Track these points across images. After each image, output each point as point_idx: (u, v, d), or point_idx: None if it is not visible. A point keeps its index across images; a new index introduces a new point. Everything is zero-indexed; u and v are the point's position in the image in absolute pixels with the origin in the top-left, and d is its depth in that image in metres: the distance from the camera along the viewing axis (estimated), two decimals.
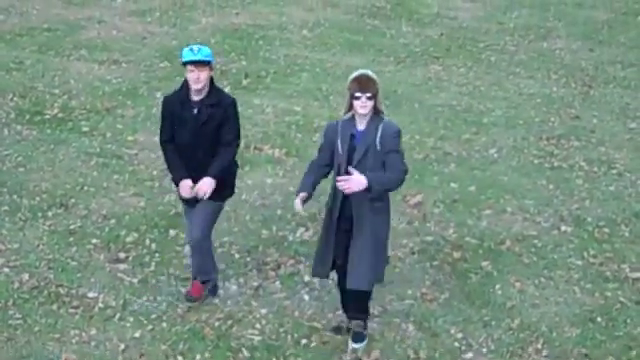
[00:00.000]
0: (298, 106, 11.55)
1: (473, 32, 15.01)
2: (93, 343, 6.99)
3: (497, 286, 7.83)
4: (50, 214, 8.79)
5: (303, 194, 6.69)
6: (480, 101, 11.93)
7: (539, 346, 7.08)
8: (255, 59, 13.26)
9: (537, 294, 7.74)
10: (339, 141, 6.57)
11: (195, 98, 6.95)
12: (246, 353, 6.93)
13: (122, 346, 6.96)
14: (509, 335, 7.21)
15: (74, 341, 7.00)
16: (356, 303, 6.94)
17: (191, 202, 7.18)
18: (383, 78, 12.61)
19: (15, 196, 9.09)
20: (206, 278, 7.46)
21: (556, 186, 9.63)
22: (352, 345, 6.96)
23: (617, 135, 10.99)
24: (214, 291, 7.58)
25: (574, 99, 12.13)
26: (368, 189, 6.31)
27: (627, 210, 9.17)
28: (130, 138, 10.48)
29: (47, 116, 11.02)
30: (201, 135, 6.96)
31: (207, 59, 6.84)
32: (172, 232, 8.48)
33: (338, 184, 6.39)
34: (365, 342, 6.98)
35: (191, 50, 6.84)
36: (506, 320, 7.38)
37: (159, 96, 11.65)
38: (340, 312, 7.24)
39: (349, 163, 6.51)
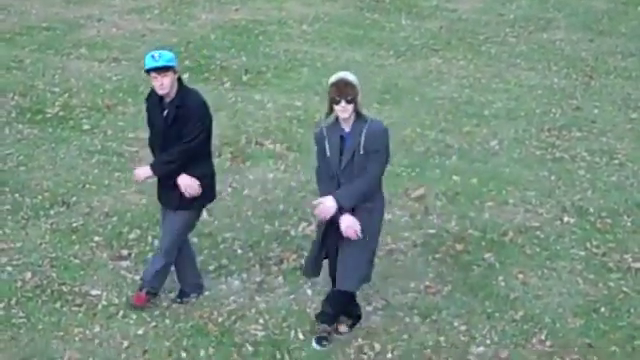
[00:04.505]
0: (299, 101, 11.54)
1: (473, 24, 14.99)
2: (97, 341, 7.00)
3: (500, 278, 7.83)
4: (52, 212, 8.79)
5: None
6: (481, 93, 11.92)
7: (543, 337, 7.08)
8: (255, 55, 13.25)
9: (540, 285, 7.74)
10: (327, 144, 6.58)
11: (165, 100, 6.96)
12: (250, 348, 6.93)
13: (125, 343, 6.96)
14: (513, 326, 7.21)
15: (77, 339, 7.01)
16: (335, 307, 6.90)
17: (166, 206, 7.16)
18: (383, 71, 12.66)
19: (17, 195, 9.09)
20: (154, 291, 7.36)
21: (558, 177, 9.62)
22: (314, 344, 6.93)
23: (618, 125, 10.98)
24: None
25: (575, 90, 12.12)
26: (340, 208, 6.45)
27: (629, 200, 9.16)
28: (131, 135, 10.48)
29: (48, 115, 11.03)
30: (169, 137, 6.94)
31: (168, 64, 6.79)
32: None
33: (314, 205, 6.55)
34: (325, 348, 6.89)
35: (152, 57, 6.79)
36: (510, 312, 7.38)
37: None
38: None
39: (340, 167, 6.54)
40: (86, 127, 10.70)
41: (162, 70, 6.78)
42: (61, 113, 11.08)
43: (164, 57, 6.79)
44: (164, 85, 6.82)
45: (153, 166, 7.04)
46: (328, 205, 6.50)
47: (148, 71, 6.83)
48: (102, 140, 10.37)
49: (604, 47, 13.89)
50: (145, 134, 10.36)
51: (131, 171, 9.52)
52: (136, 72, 12.44)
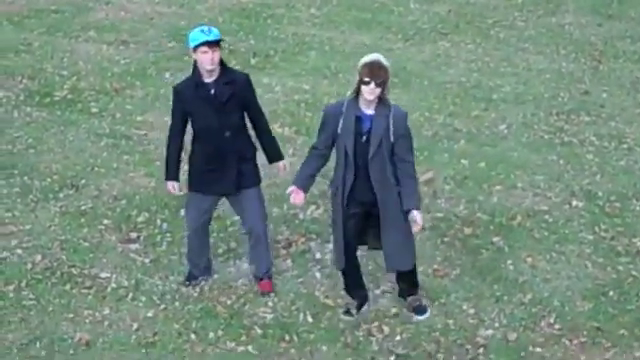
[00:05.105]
0: (307, 84, 11.52)
1: (481, 8, 14.92)
2: (106, 323, 7.04)
3: (509, 261, 7.84)
4: (61, 195, 8.82)
5: (293, 188, 6.77)
6: (489, 77, 11.89)
7: (551, 320, 7.10)
8: (263, 38, 13.22)
9: (549, 269, 7.75)
10: (342, 121, 6.58)
11: (208, 80, 6.86)
12: (259, 330, 6.96)
13: (135, 325, 7.00)
14: (521, 310, 7.23)
15: (87, 321, 7.05)
16: (406, 281, 7.11)
17: (243, 187, 7.11)
18: (392, 55, 12.60)
19: (26, 178, 9.12)
20: (272, 271, 7.49)
21: (566, 161, 9.61)
22: (417, 317, 7.09)
23: (627, 110, 10.95)
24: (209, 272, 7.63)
25: (584, 74, 12.07)
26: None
27: (638, 184, 9.14)
28: (139, 119, 10.49)
29: (56, 98, 11.04)
30: (225, 114, 6.87)
31: (219, 38, 6.79)
32: (183, 212, 8.46)
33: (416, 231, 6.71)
34: (429, 312, 7.11)
35: (202, 31, 6.73)
36: (518, 295, 7.39)
37: (168, 76, 11.67)
38: (343, 293, 7.29)
39: (356, 146, 6.55)
40: (94, 110, 10.71)
41: (214, 44, 6.72)
42: (69, 96, 11.09)
43: (214, 32, 6.75)
44: (214, 60, 6.74)
45: (281, 159, 7.27)
46: (419, 214, 6.64)
47: (197, 47, 6.72)
48: (110, 123, 10.38)
49: (613, 31, 13.82)
50: (152, 117, 10.49)
51: (139, 154, 9.60)
52: (144, 55, 12.43)
